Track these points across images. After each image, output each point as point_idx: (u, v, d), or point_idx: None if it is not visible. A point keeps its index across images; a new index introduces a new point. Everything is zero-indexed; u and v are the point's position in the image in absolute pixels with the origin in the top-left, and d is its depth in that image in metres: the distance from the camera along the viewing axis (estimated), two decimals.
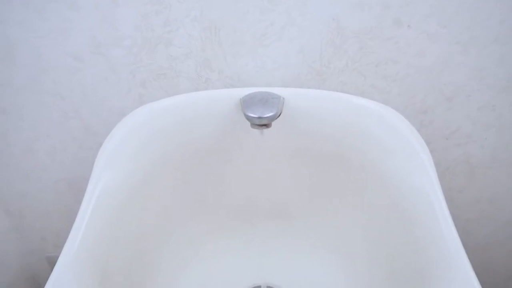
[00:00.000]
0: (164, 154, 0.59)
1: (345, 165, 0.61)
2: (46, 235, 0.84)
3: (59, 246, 0.42)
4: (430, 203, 0.51)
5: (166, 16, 0.56)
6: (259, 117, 0.45)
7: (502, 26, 0.57)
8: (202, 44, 0.59)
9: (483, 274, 0.88)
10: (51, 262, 0.88)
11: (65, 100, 0.64)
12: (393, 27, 0.57)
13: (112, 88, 0.63)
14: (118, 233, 0.53)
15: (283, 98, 0.55)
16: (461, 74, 0.61)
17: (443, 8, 0.55)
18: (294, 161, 0.62)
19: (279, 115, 0.55)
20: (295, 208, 0.66)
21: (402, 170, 0.55)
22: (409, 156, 0.55)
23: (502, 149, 0.70)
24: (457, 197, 0.77)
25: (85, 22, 0.57)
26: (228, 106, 0.57)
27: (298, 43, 0.59)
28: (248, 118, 0.46)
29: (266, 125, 0.46)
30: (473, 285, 0.40)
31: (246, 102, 0.49)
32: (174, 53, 0.59)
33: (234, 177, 0.64)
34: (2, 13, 0.56)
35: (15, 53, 0.59)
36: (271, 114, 0.46)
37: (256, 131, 0.53)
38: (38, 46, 0.59)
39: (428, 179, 0.52)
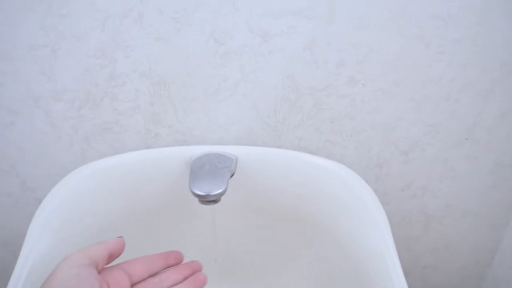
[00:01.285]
0: (109, 217, 0.54)
1: (300, 223, 0.59)
2: None
3: None
4: (384, 263, 0.50)
5: (111, 70, 0.53)
6: (207, 195, 0.42)
7: (453, 84, 0.57)
8: (151, 98, 0.55)
9: None
10: None
11: None
12: (348, 85, 0.56)
13: (52, 143, 0.58)
14: None
15: (237, 158, 0.53)
16: (416, 129, 0.61)
17: (396, 67, 0.55)
18: (248, 220, 0.60)
19: (232, 175, 0.53)
20: (249, 267, 0.63)
21: (356, 230, 0.54)
22: (363, 215, 0.53)
23: (455, 198, 0.70)
24: (414, 245, 0.76)
25: (21, 74, 0.53)
26: (178, 166, 0.54)
27: (252, 99, 0.56)
28: (195, 195, 0.43)
29: (215, 201, 0.43)
30: None
31: (193, 174, 0.46)
32: (120, 107, 0.56)
33: (185, 237, 0.60)
34: None
35: None
36: (219, 191, 0.43)
37: None
38: None
39: (382, 239, 0.51)
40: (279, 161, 0.55)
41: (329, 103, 0.57)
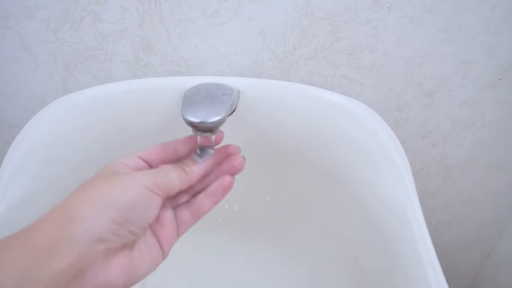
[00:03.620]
0: (92, 157, 0.48)
1: (311, 168, 0.52)
2: None
3: None
4: (407, 219, 0.45)
5: None
6: (202, 122, 0.35)
7: (493, 13, 0.49)
8: (140, 19, 0.47)
9: (449, 277, 0.84)
10: None
11: None
12: (372, 8, 0.48)
13: (28, 72, 0.51)
14: None
15: (239, 91, 0.45)
16: (445, 66, 0.53)
17: None
18: (250, 165, 0.53)
19: (233, 112, 0.46)
20: (252, 217, 0.58)
21: (376, 179, 0.47)
22: (384, 163, 0.47)
23: (480, 149, 0.63)
24: (429, 199, 0.71)
25: None
26: (171, 98, 0.47)
27: (259, 23, 0.48)
28: (188, 122, 0.36)
29: (212, 131, 0.36)
30: None
31: (187, 100, 0.39)
32: (104, 30, 0.48)
33: None
34: None
35: None
36: (217, 118, 0.35)
37: None
38: None
39: (405, 191, 0.45)
40: (287, 96, 0.48)
41: (347, 31, 0.49)
